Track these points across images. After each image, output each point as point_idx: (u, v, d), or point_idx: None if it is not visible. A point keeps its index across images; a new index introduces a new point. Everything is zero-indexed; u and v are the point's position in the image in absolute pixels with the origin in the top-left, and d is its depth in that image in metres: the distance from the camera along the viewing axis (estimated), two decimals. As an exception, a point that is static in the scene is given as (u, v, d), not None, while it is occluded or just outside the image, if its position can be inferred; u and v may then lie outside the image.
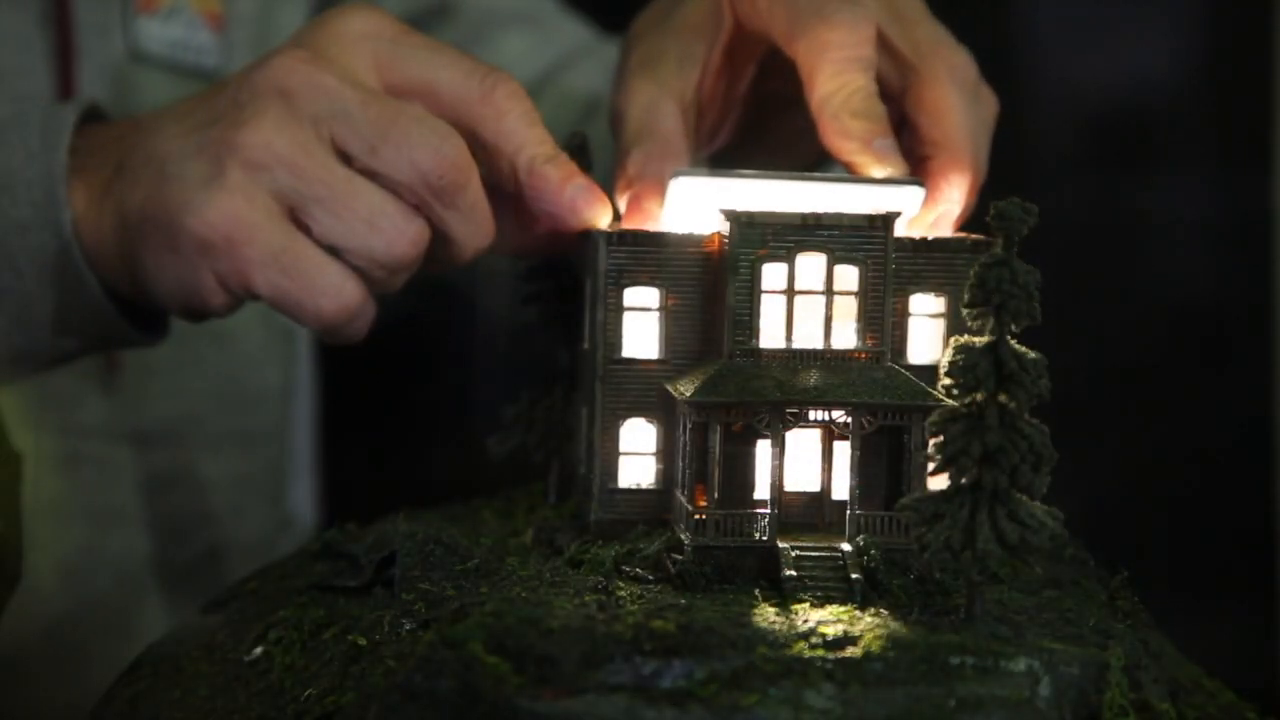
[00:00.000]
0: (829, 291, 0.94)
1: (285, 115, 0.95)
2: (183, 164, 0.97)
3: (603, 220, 0.99)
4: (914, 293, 0.96)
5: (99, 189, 1.01)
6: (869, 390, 0.92)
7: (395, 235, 0.96)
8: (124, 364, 1.26)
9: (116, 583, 1.29)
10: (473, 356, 1.68)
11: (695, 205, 0.95)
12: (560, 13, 1.49)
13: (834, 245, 0.93)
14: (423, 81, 0.98)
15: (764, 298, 0.93)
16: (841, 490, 0.94)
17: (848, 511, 0.92)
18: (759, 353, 0.93)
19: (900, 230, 0.95)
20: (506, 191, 1.00)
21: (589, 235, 0.99)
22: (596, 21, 1.49)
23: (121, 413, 1.27)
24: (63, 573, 1.24)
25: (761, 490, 0.93)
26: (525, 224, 1.01)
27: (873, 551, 0.90)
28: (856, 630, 0.83)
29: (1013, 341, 0.85)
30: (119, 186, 1.00)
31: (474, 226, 0.99)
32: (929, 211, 0.99)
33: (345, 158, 0.96)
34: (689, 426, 0.92)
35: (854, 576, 0.89)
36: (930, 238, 0.97)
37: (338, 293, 0.97)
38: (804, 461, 0.95)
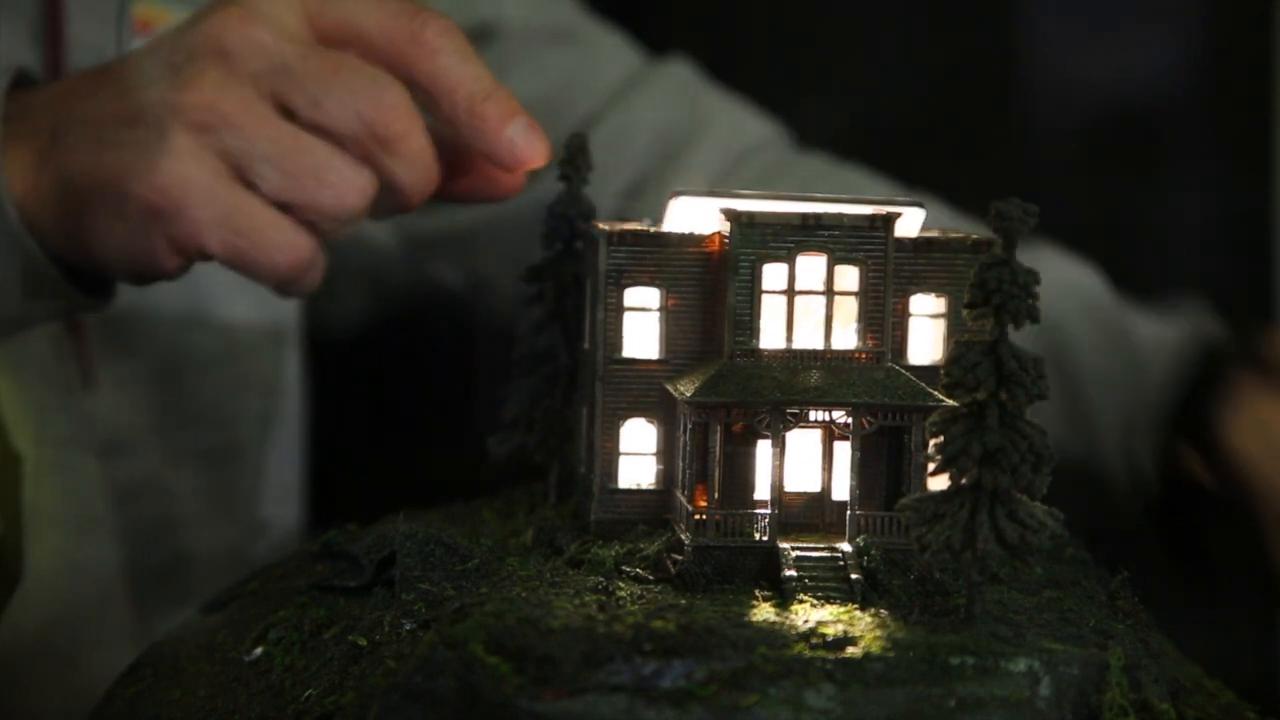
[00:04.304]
0: (829, 292, 0.94)
1: (225, 74, 0.95)
2: (122, 130, 0.96)
3: (542, 160, 0.98)
4: (914, 293, 0.96)
5: (35, 156, 1.00)
6: (869, 390, 0.92)
7: (343, 187, 0.96)
8: (98, 377, 1.26)
9: (87, 590, 1.28)
10: (473, 356, 1.67)
11: (693, 224, 0.95)
12: (601, 30, 1.48)
13: (834, 245, 0.94)
14: (352, 28, 0.98)
15: (764, 298, 0.93)
16: (842, 490, 0.94)
17: (848, 512, 0.92)
18: (759, 353, 0.93)
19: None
20: (447, 133, 0.99)
21: (590, 235, 0.99)
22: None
23: (86, 426, 1.27)
24: (37, 580, 1.24)
25: (762, 490, 0.93)
26: (468, 166, 1.01)
27: (873, 552, 0.90)
28: (856, 630, 0.83)
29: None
30: (57, 154, 0.99)
31: (419, 173, 0.98)
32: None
33: (288, 113, 0.96)
34: (689, 427, 0.92)
35: (854, 577, 0.89)
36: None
37: (291, 247, 0.96)
38: (804, 462, 0.95)
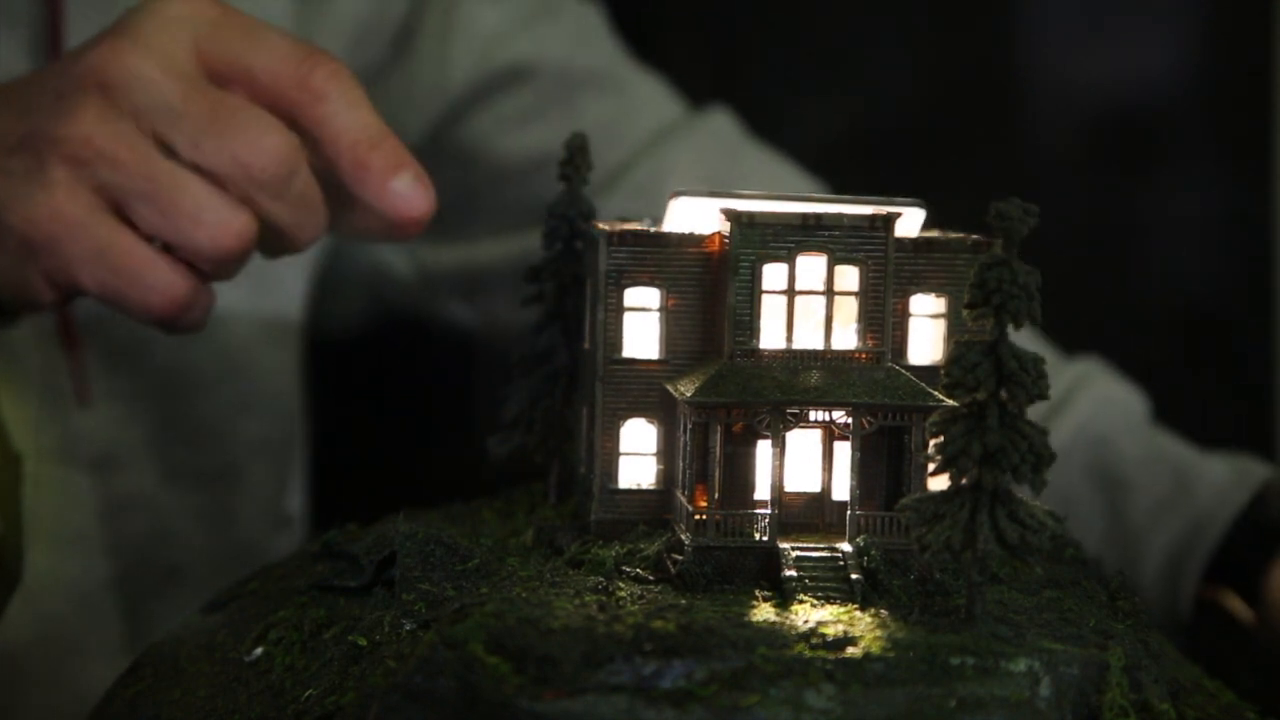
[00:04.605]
0: (829, 292, 0.94)
1: (105, 108, 0.94)
2: (6, 157, 0.95)
3: (428, 213, 0.98)
4: (914, 293, 0.96)
5: None
6: (869, 390, 0.92)
7: (220, 229, 0.94)
8: (92, 393, 1.26)
9: (75, 604, 1.28)
10: (472, 356, 1.68)
11: (693, 224, 0.95)
12: (639, 76, 1.47)
13: (834, 246, 0.94)
14: (241, 67, 0.96)
15: (764, 298, 0.93)
16: (842, 491, 0.94)
17: (848, 512, 0.92)
18: (759, 353, 0.93)
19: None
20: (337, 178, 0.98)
21: (590, 235, 0.99)
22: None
23: (78, 441, 1.27)
24: (24, 593, 1.23)
25: (762, 490, 0.93)
26: (362, 209, 0.99)
27: (873, 552, 0.90)
28: (857, 630, 0.83)
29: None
30: None
31: (304, 216, 0.97)
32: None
33: (169, 150, 0.95)
34: (689, 427, 0.92)
35: (854, 577, 0.89)
36: (921, 239, 0.97)
37: (166, 287, 0.95)
38: (804, 462, 0.95)
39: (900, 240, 0.95)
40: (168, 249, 0.96)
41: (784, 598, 0.88)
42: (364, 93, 0.98)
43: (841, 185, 1.43)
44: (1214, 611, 1.23)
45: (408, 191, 0.97)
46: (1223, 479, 1.27)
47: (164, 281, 0.95)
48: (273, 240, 0.98)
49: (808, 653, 0.81)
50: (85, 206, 0.94)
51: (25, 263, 0.96)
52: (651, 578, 0.90)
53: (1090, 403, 1.29)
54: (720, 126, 1.46)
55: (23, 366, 1.23)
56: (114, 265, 0.95)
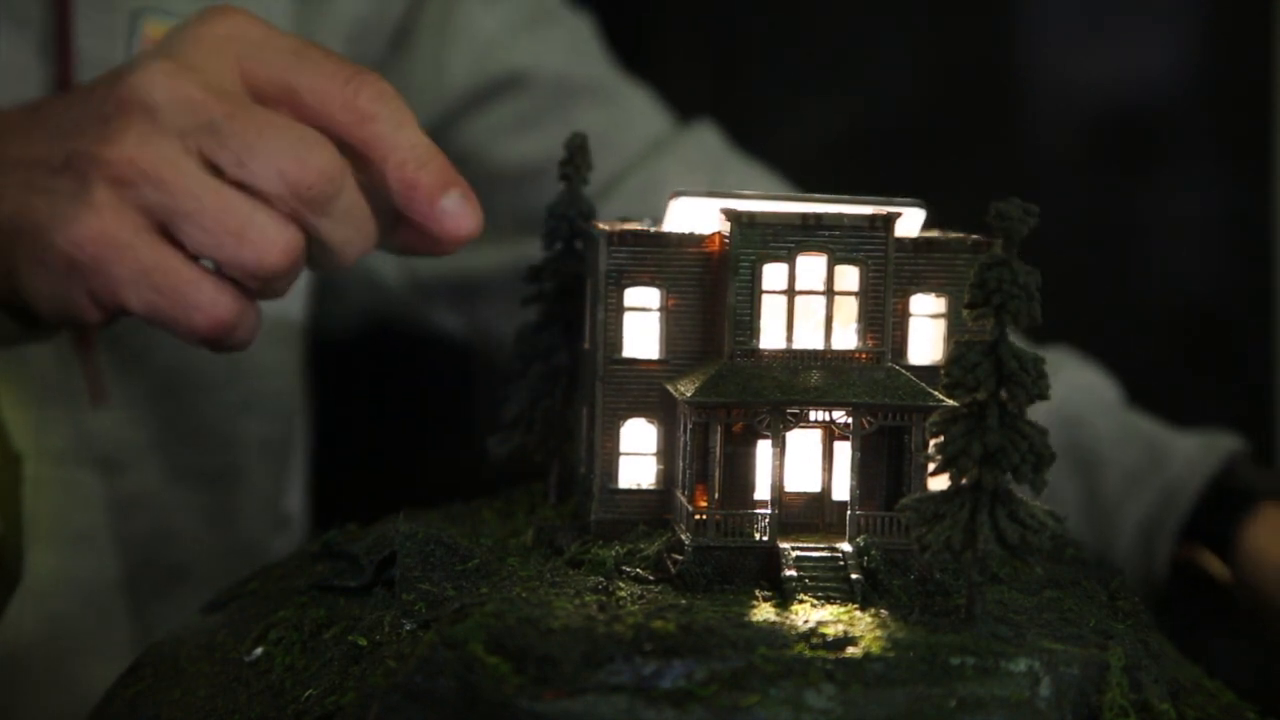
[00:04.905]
0: (829, 292, 0.94)
1: (150, 130, 0.94)
2: (50, 177, 0.95)
3: (477, 231, 0.97)
4: (914, 293, 0.96)
5: None
6: (869, 390, 0.92)
7: (266, 246, 0.94)
8: (108, 393, 1.26)
9: (82, 603, 1.28)
10: (473, 356, 1.67)
11: (693, 224, 0.95)
12: (630, 87, 1.48)
13: (834, 246, 0.94)
14: (286, 86, 0.96)
15: (764, 298, 0.93)
16: (842, 491, 0.94)
17: (848, 512, 0.92)
18: (759, 353, 0.93)
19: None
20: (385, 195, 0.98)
21: (590, 235, 0.99)
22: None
23: (87, 441, 1.27)
24: (32, 592, 1.23)
25: (762, 490, 0.93)
26: (410, 226, 0.99)
27: (873, 552, 0.90)
28: (857, 630, 0.83)
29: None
30: None
31: (351, 231, 0.97)
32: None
33: (214, 169, 0.94)
34: (689, 427, 0.92)
35: (854, 577, 0.89)
36: (916, 240, 0.97)
37: (211, 306, 0.95)
38: (804, 462, 0.95)
39: (900, 240, 0.95)
40: (217, 269, 0.96)
41: (784, 598, 0.88)
42: (411, 112, 0.97)
43: (841, 185, 1.43)
44: (1190, 572, 1.26)
45: (456, 210, 0.97)
46: (1193, 450, 1.32)
47: (209, 301, 0.95)
48: (320, 256, 0.97)
49: (808, 653, 0.81)
50: (131, 227, 0.94)
51: (71, 283, 0.96)
52: (651, 578, 0.90)
53: (1063, 386, 1.31)
54: (707, 139, 1.49)
55: (31, 367, 1.23)
56: (159, 285, 0.95)
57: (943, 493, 0.86)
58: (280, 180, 0.94)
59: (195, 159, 0.94)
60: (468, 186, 0.97)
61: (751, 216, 0.93)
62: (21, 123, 0.99)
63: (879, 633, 0.83)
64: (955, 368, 0.85)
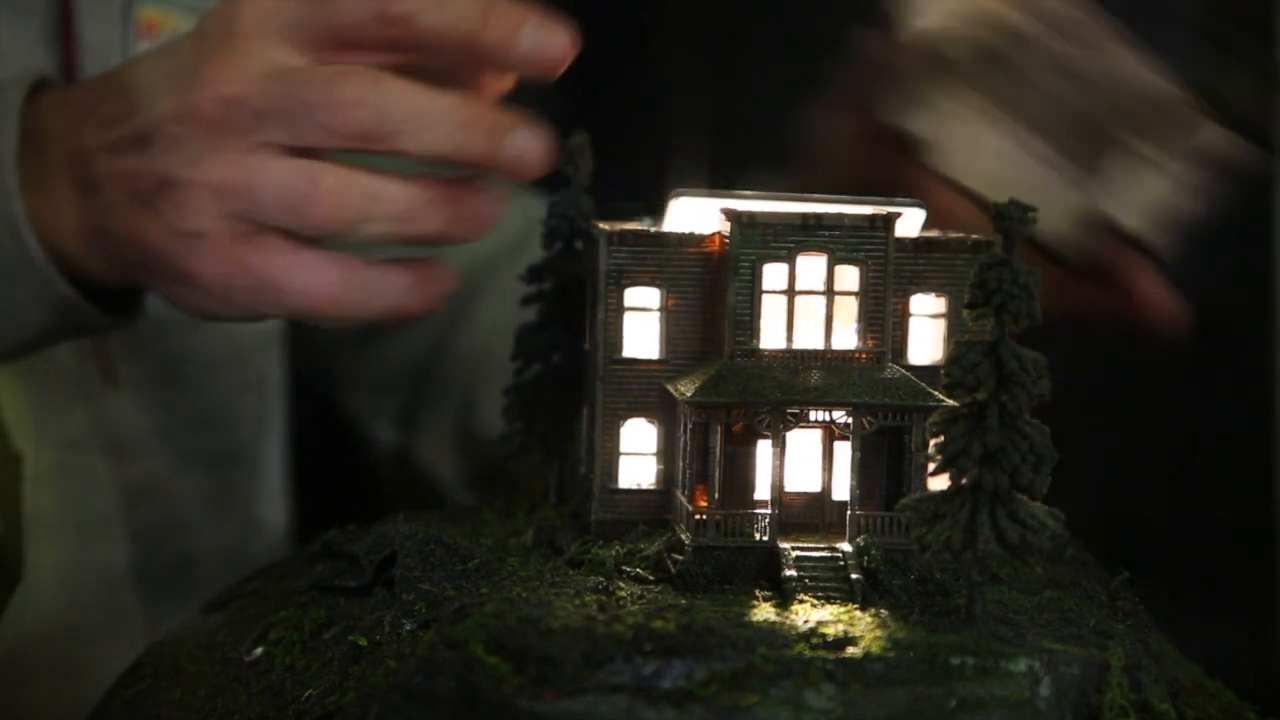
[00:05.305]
0: (829, 292, 0.94)
1: (237, 145, 0.95)
2: (153, 198, 0.96)
3: (571, 47, 0.95)
4: (914, 293, 0.96)
5: (66, 195, 1.00)
6: (869, 390, 0.92)
7: (385, 193, 0.95)
8: (118, 376, 1.26)
9: (95, 591, 1.29)
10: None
11: (693, 224, 0.95)
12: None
13: (834, 245, 0.94)
14: (327, 34, 0.96)
15: (765, 298, 0.93)
16: (842, 491, 0.94)
17: (848, 512, 0.92)
18: (759, 353, 0.93)
19: None
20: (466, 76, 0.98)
21: (590, 235, 0.99)
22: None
23: (98, 426, 1.27)
24: (55, 581, 1.24)
25: (762, 490, 0.93)
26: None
27: (873, 552, 0.90)
28: (857, 630, 0.83)
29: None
30: (96, 209, 0.99)
31: (462, 133, 0.95)
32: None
33: (306, 150, 0.95)
34: (690, 427, 0.92)
35: (854, 577, 0.89)
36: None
37: (315, 284, 0.96)
38: (804, 462, 0.95)
39: (900, 240, 0.95)
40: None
41: (784, 598, 0.88)
42: None
43: (841, 185, 1.43)
44: None
45: (538, 40, 0.95)
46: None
47: (319, 279, 0.96)
48: (456, 165, 0.97)
49: (808, 653, 0.81)
50: (256, 251, 0.96)
51: (222, 305, 0.98)
52: (651, 578, 0.90)
53: None
54: None
55: (47, 354, 1.23)
56: (276, 284, 0.96)
57: (943, 493, 0.86)
58: (375, 128, 0.94)
59: (276, 150, 0.95)
60: (537, 13, 0.95)
61: (751, 216, 0.93)
62: (96, 111, 0.99)
63: (879, 633, 0.83)
64: (955, 368, 0.85)
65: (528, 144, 0.95)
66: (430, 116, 0.94)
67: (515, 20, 0.95)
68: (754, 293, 0.93)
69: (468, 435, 1.42)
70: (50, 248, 1.01)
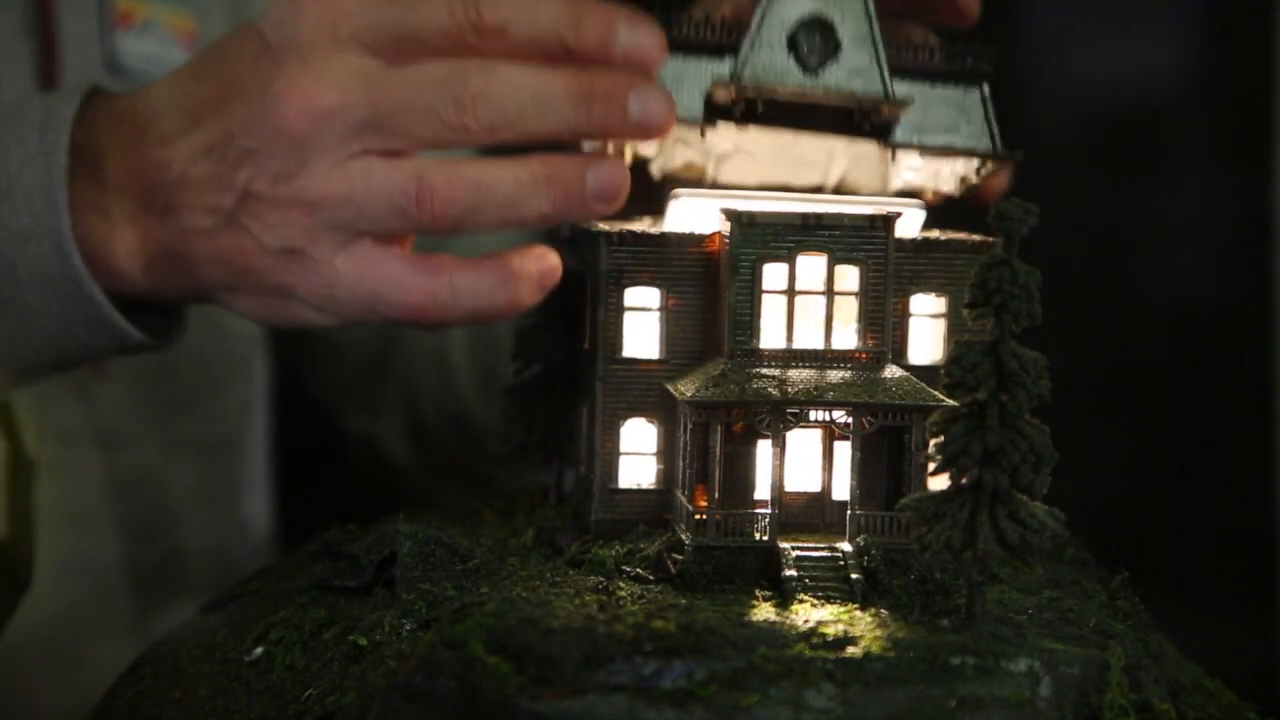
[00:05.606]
0: (829, 292, 0.94)
1: (332, 157, 0.94)
2: (236, 215, 0.96)
3: (663, 41, 0.95)
4: (914, 293, 0.96)
5: (133, 218, 0.99)
6: (869, 390, 0.92)
7: (530, 200, 0.94)
8: (109, 367, 1.26)
9: (88, 585, 1.29)
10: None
11: (693, 224, 0.95)
12: None
13: (834, 245, 0.94)
14: (416, 40, 0.94)
15: (764, 298, 0.93)
16: (842, 490, 0.94)
17: (848, 512, 0.92)
18: (759, 353, 0.93)
19: None
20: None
21: (591, 236, 0.99)
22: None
23: (90, 417, 1.27)
24: (49, 575, 1.24)
25: (762, 490, 0.93)
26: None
27: (873, 551, 0.90)
28: (857, 630, 0.83)
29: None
30: (174, 230, 0.98)
31: (565, 106, 0.94)
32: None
33: (390, 150, 0.94)
34: (690, 426, 0.92)
35: (854, 577, 0.89)
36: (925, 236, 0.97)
37: (415, 289, 0.96)
38: (804, 462, 0.95)
39: (900, 240, 0.95)
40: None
41: (784, 597, 0.88)
42: None
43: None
44: None
45: (634, 40, 0.94)
46: None
47: (414, 285, 0.95)
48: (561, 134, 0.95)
49: (808, 652, 0.81)
50: (344, 258, 0.95)
51: (314, 315, 0.98)
52: (651, 577, 0.90)
53: None
54: None
55: None
56: (378, 295, 0.96)
57: (943, 493, 0.86)
58: (456, 122, 0.93)
59: (367, 155, 0.94)
60: (628, 10, 0.95)
61: (751, 216, 0.93)
62: (167, 151, 0.98)
63: (879, 633, 0.83)
64: (955, 368, 0.85)
65: (650, 103, 0.93)
66: (551, 97, 0.93)
67: (608, 21, 0.94)
68: (754, 292, 0.93)
69: (436, 425, 1.42)
70: (100, 267, 1.00)
